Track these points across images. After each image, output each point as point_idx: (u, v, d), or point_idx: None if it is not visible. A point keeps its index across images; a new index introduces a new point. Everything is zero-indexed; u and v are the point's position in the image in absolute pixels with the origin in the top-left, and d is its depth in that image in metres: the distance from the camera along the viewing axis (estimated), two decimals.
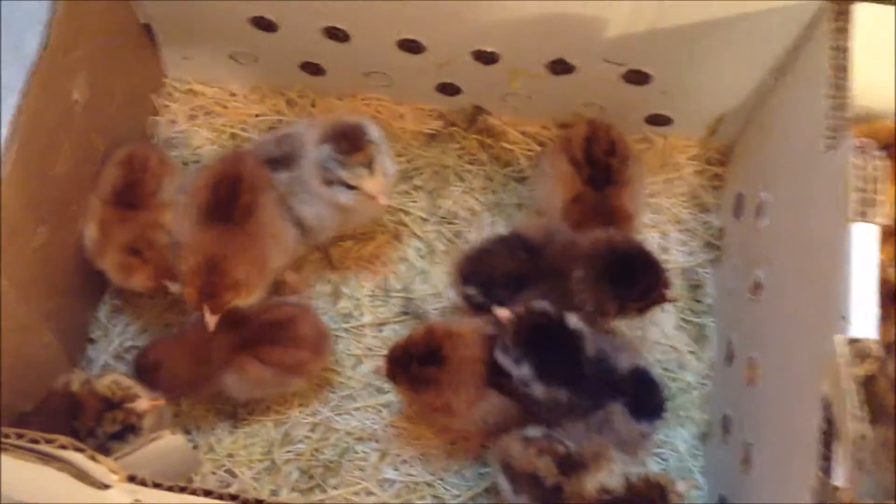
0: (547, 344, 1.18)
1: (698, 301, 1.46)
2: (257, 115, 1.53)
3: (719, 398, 1.36)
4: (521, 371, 1.17)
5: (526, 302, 1.20)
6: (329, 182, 1.25)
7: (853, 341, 0.90)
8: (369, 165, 1.23)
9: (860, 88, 1.06)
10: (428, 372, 1.21)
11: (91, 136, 1.29)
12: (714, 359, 1.41)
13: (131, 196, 1.30)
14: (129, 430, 1.13)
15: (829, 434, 0.91)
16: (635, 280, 1.23)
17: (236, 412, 1.37)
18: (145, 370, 1.27)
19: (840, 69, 1.07)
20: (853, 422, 0.87)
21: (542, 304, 1.19)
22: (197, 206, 1.26)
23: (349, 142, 1.24)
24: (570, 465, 1.14)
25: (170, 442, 1.01)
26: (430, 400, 1.23)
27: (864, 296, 0.92)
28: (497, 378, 1.20)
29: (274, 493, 1.32)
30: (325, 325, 1.34)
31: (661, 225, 1.50)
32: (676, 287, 1.45)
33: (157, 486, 0.92)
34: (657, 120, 1.47)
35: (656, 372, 1.27)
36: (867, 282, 0.93)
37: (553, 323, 1.19)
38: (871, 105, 1.15)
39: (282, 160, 1.29)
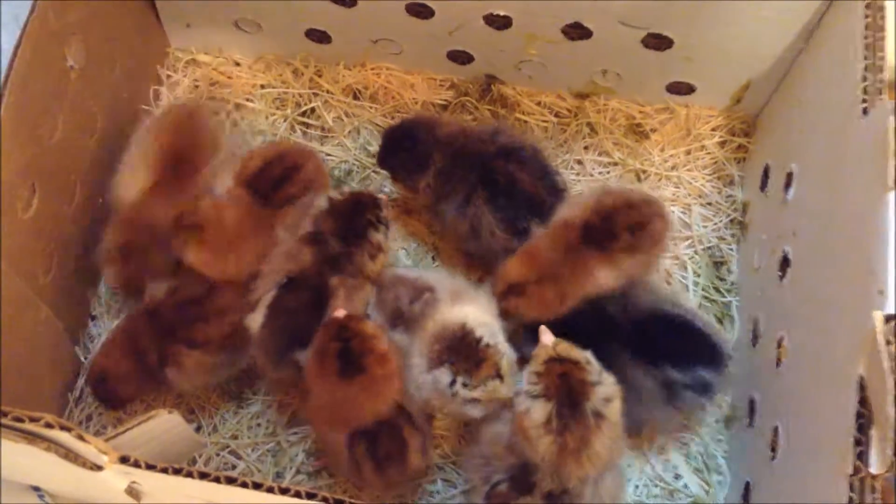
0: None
1: (722, 279, 1.40)
2: (262, 86, 1.48)
3: (745, 381, 1.30)
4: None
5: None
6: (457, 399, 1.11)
7: (892, 318, 0.84)
8: (498, 373, 1.08)
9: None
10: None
11: (88, 105, 1.25)
12: (739, 339, 1.35)
13: None
14: None
15: (865, 418, 0.86)
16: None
17: (241, 392, 1.33)
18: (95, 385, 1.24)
19: (875, 28, 1.01)
20: (892, 405, 0.81)
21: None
22: (243, 169, 1.23)
23: (468, 356, 1.08)
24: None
25: (166, 421, 0.97)
26: None
27: None
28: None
29: (278, 475, 1.28)
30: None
31: (683, 199, 1.44)
32: (699, 264, 1.40)
33: (150, 467, 0.88)
34: (679, 88, 1.41)
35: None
36: None
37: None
38: None
39: None
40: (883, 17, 1.01)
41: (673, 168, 1.45)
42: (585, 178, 1.44)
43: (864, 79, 0.99)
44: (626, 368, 1.13)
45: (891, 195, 0.88)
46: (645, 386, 1.15)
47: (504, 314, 1.21)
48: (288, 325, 1.16)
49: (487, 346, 1.09)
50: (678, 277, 1.39)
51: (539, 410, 0.99)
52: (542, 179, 1.26)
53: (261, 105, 1.47)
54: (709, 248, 1.42)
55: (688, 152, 1.46)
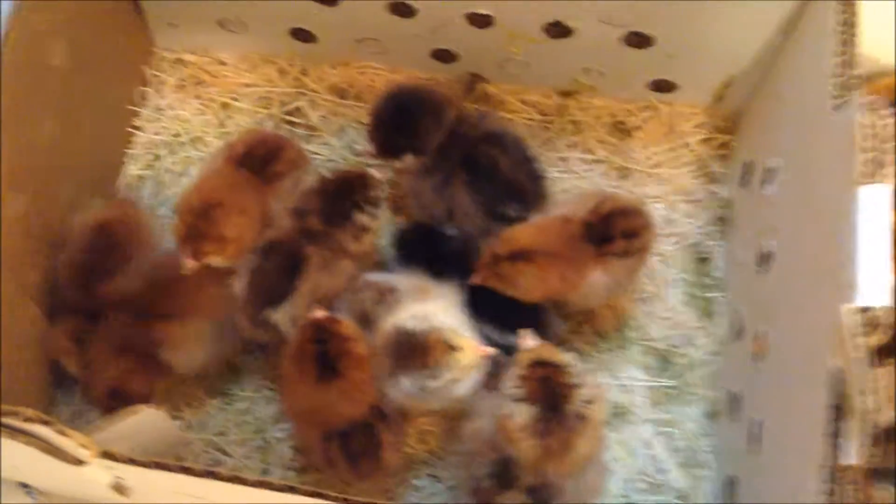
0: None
1: (706, 275, 1.41)
2: (248, 85, 1.49)
3: (728, 375, 1.31)
4: None
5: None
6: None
7: (863, 310, 0.85)
8: (453, 346, 1.06)
9: (871, 44, 1.01)
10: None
11: (74, 105, 1.25)
12: (723, 334, 1.36)
13: None
14: None
15: (839, 410, 0.86)
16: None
17: (228, 389, 1.33)
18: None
19: (848, 24, 1.01)
20: (863, 396, 0.82)
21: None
22: (231, 153, 1.25)
23: (412, 353, 1.06)
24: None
25: (148, 416, 0.98)
26: None
27: (874, 262, 0.87)
28: None
29: (265, 471, 1.28)
30: None
31: (667, 196, 1.44)
32: (684, 261, 1.41)
33: (131, 461, 0.89)
34: (661, 86, 1.42)
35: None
36: (877, 247, 0.87)
37: None
38: (886, 62, 1.10)
39: None
40: (854, 13, 1.01)
41: (656, 165, 1.45)
42: (570, 176, 1.44)
43: (837, 73, 1.00)
44: None
45: (859, 189, 0.89)
46: None
47: (500, 279, 1.18)
48: (263, 286, 1.18)
49: (421, 332, 1.07)
50: (663, 274, 1.40)
51: (522, 414, 1.01)
52: (523, 165, 1.27)
53: (246, 104, 1.48)
54: (693, 244, 1.42)
55: (671, 149, 1.46)
